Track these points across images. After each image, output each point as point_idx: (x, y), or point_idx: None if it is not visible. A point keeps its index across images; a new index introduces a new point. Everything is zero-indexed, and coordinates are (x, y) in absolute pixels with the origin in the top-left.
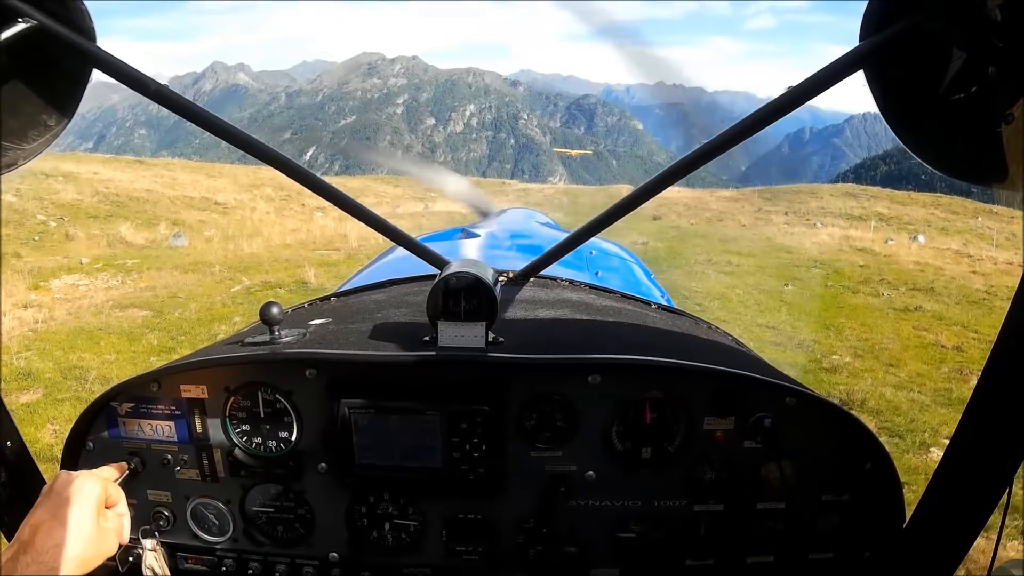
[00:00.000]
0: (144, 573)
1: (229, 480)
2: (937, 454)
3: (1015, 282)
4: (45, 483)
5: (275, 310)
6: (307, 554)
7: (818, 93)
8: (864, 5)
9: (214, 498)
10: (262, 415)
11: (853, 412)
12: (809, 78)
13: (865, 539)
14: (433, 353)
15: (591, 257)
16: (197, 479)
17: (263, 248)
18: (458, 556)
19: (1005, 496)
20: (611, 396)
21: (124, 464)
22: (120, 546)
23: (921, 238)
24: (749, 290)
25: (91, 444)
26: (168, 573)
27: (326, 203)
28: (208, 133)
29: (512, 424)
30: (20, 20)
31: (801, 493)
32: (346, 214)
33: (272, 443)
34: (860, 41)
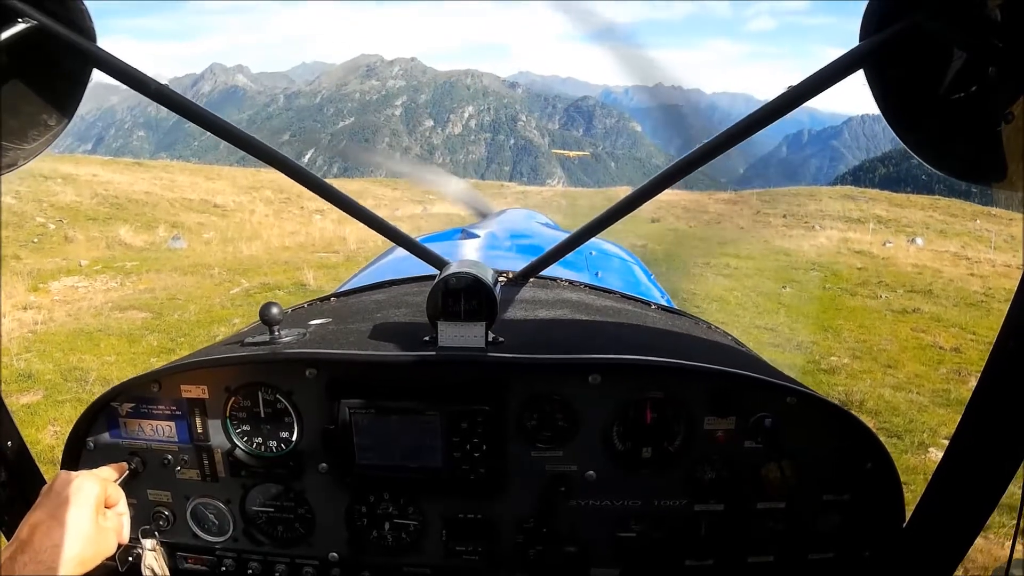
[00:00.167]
0: (144, 573)
1: (229, 480)
2: (935, 454)
3: (1013, 284)
4: (45, 483)
5: (275, 310)
6: (307, 554)
7: (818, 93)
8: (864, 5)
9: (214, 498)
10: (262, 415)
11: (852, 412)
12: (809, 78)
13: (865, 539)
14: (433, 353)
15: (591, 257)
16: (197, 479)
17: (262, 250)
18: (458, 556)
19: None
20: (611, 396)
21: (124, 464)
22: (120, 546)
23: (919, 240)
24: (747, 292)
25: (91, 444)
26: (168, 573)
27: (325, 206)
28: (207, 135)
29: (512, 424)
30: (20, 20)
31: (801, 493)
32: (345, 216)
33: (272, 443)
34: (860, 41)
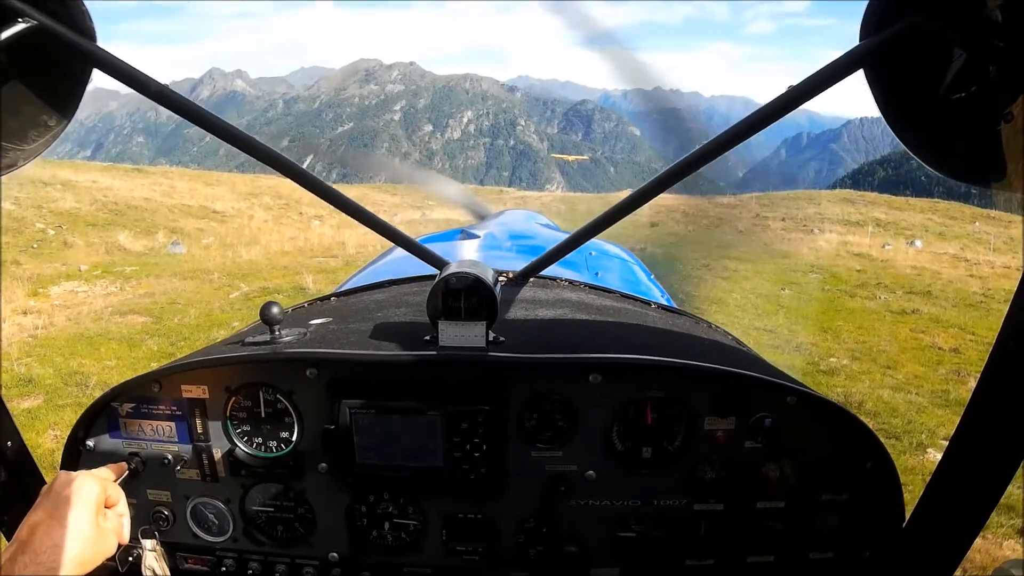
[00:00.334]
0: (144, 573)
1: (229, 480)
2: (934, 455)
3: (1012, 285)
4: (45, 483)
5: (275, 310)
6: (307, 554)
7: (818, 93)
8: (864, 6)
9: (214, 498)
10: (263, 415)
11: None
12: (809, 78)
13: (865, 538)
14: (434, 353)
15: (591, 257)
16: (197, 479)
17: (261, 255)
18: (458, 556)
19: None
20: (611, 396)
21: (124, 464)
22: (120, 546)
23: (918, 243)
24: (746, 294)
25: (91, 444)
26: (168, 573)
27: (324, 211)
28: (206, 141)
29: (513, 424)
30: (20, 20)
31: (801, 492)
32: (344, 222)
33: (273, 443)
34: (860, 41)
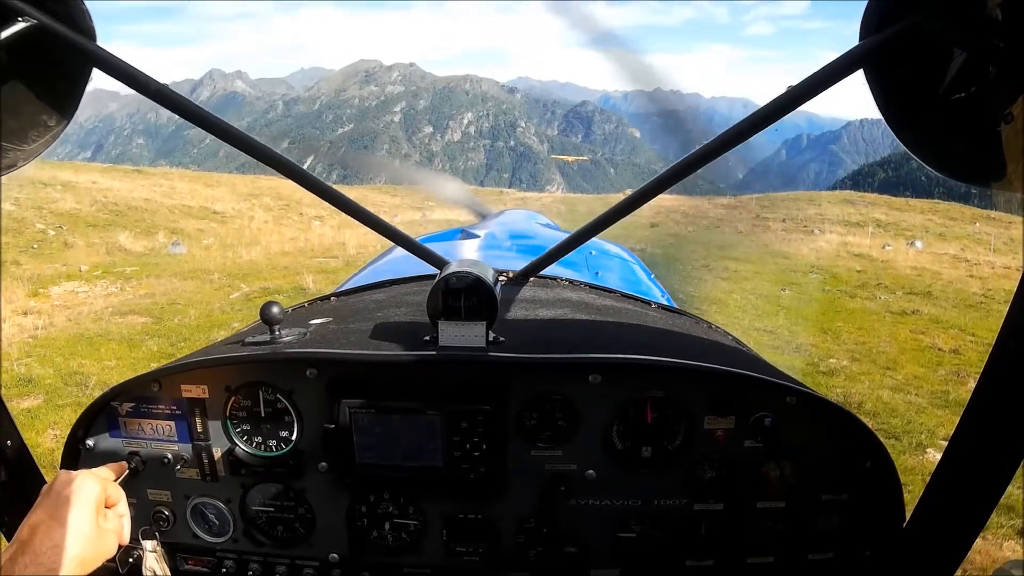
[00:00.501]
0: (144, 574)
1: (229, 479)
2: (933, 455)
3: (1012, 286)
4: (45, 483)
5: (275, 309)
6: (307, 554)
7: (818, 93)
8: (863, 6)
9: (214, 497)
10: (263, 415)
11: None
12: (808, 78)
13: (865, 539)
14: (434, 352)
15: (591, 257)
16: (197, 478)
17: (262, 256)
18: (458, 556)
19: None
20: (611, 395)
21: (124, 464)
22: (120, 547)
23: (919, 243)
24: (747, 295)
25: (91, 444)
26: (168, 574)
27: (324, 212)
28: (207, 142)
29: (513, 423)
30: (20, 19)
31: (801, 492)
32: (345, 222)
33: (272, 442)
34: (860, 41)
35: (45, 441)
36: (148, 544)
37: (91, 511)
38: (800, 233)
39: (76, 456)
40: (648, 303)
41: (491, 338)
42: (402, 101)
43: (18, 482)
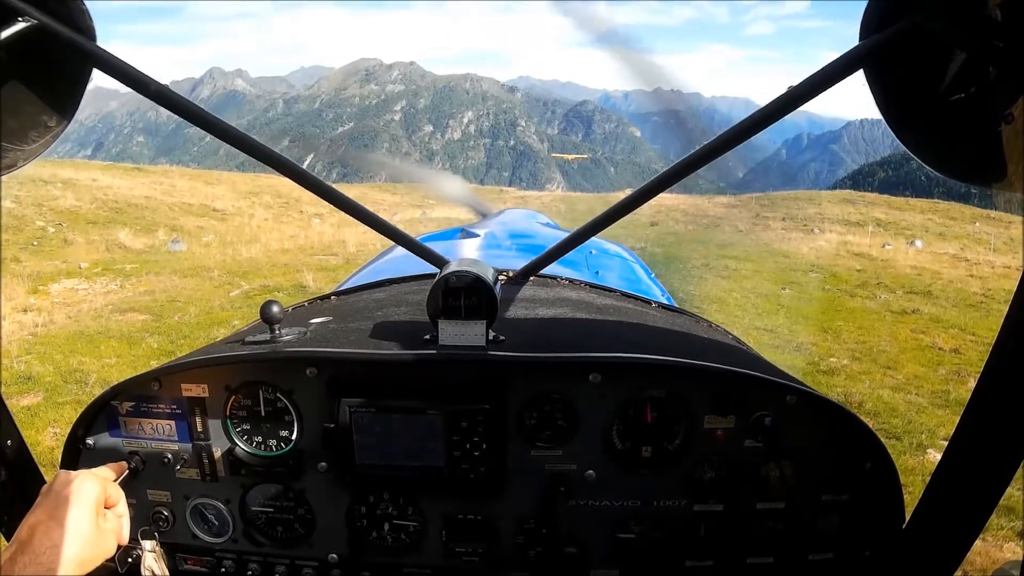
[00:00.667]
0: (143, 574)
1: (229, 479)
2: (934, 455)
3: (1012, 285)
4: (45, 483)
5: (275, 309)
6: (307, 555)
7: (818, 93)
8: (863, 6)
9: (214, 498)
10: (263, 414)
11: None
12: (809, 78)
13: (865, 539)
14: (434, 352)
15: (591, 256)
16: (197, 478)
17: (261, 253)
18: (458, 556)
19: None
20: (611, 395)
21: (124, 463)
22: (119, 547)
23: (918, 243)
24: (746, 294)
25: (91, 443)
26: (167, 574)
27: (324, 210)
28: (207, 140)
29: (513, 423)
30: (20, 19)
31: (801, 493)
32: (345, 220)
33: (272, 442)
34: (860, 41)
35: (45, 439)
36: (147, 544)
37: (91, 511)
38: (800, 232)
39: (76, 456)
40: (648, 302)
41: (491, 337)
42: (402, 100)
43: (18, 482)
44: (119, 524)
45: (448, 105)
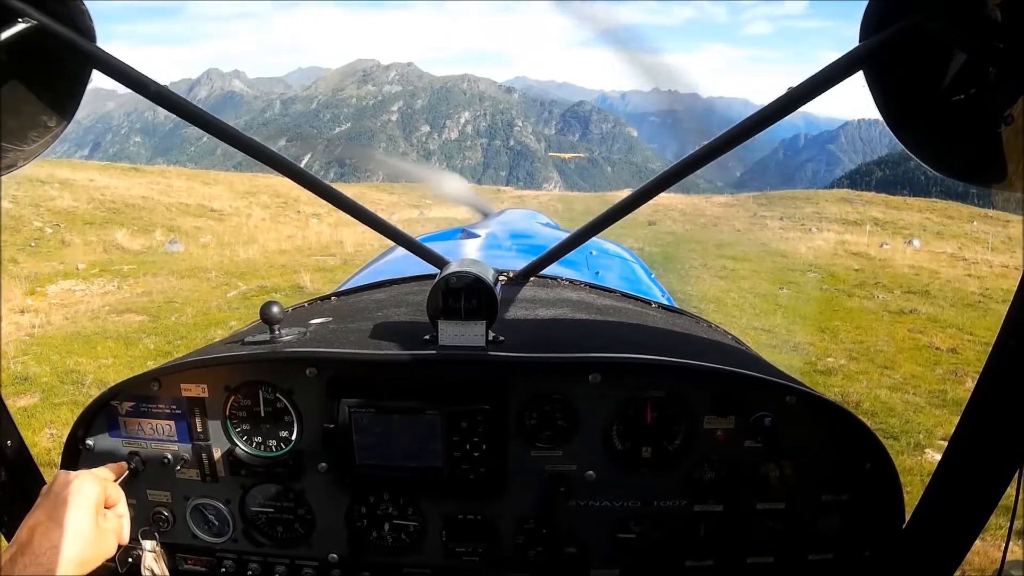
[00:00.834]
0: (143, 574)
1: (229, 480)
2: (932, 455)
3: (1010, 285)
4: (45, 483)
5: (275, 309)
6: (307, 555)
7: (818, 94)
8: (862, 7)
9: (214, 498)
10: (262, 414)
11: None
12: (809, 79)
13: (865, 539)
14: (434, 352)
15: (591, 257)
16: (197, 479)
17: (259, 254)
18: (458, 556)
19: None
20: (611, 395)
21: (123, 464)
22: (119, 547)
23: (916, 242)
24: (744, 294)
25: (91, 443)
26: (167, 574)
27: (321, 210)
28: (204, 140)
29: (513, 423)
30: (20, 20)
31: (801, 493)
32: (342, 220)
33: (272, 442)
34: (860, 42)
35: (42, 440)
36: (147, 544)
37: (91, 512)
38: (798, 232)
39: (76, 456)
40: (648, 303)
41: (491, 338)
42: (399, 100)
43: (18, 482)
44: (119, 524)
45: (445, 106)
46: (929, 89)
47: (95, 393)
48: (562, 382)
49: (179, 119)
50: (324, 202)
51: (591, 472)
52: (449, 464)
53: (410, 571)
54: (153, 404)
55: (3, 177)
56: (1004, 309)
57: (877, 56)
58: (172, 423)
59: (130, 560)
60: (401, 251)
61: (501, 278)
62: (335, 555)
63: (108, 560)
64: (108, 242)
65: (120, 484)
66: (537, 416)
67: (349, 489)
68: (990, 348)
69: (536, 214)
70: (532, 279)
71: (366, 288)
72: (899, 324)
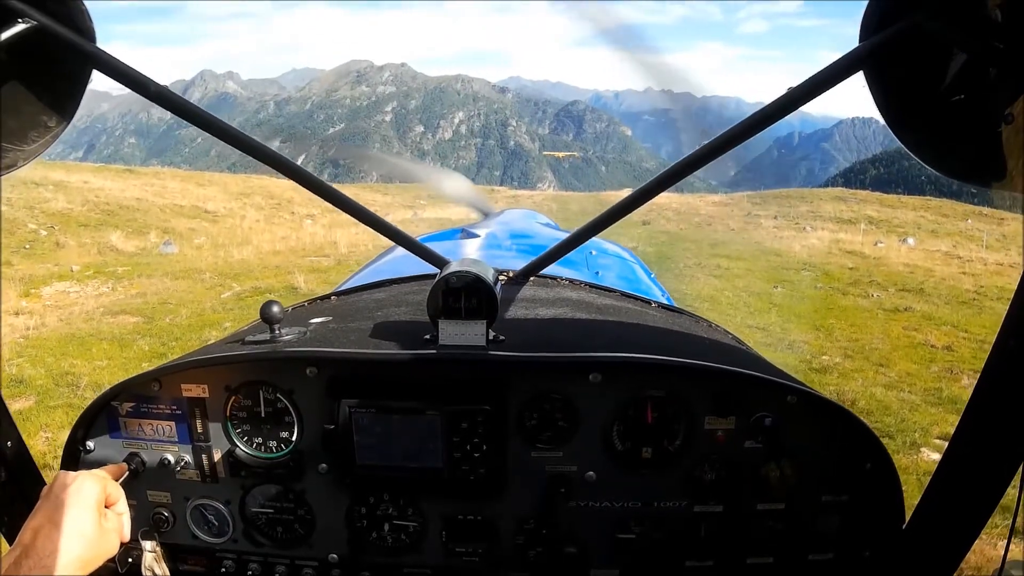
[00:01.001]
0: (144, 574)
1: (229, 480)
2: (928, 453)
3: (1005, 283)
4: (45, 484)
5: (276, 308)
6: (307, 555)
7: (818, 94)
8: (857, 5)
9: (214, 499)
10: (263, 414)
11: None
12: (809, 79)
13: (865, 539)
14: (434, 352)
15: (591, 256)
16: (197, 479)
17: (253, 255)
18: (458, 557)
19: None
20: (611, 395)
21: (124, 464)
22: (121, 546)
23: (911, 240)
24: (739, 292)
25: (91, 444)
26: (168, 574)
27: (316, 211)
28: (198, 141)
29: (513, 423)
30: (20, 20)
31: (801, 493)
32: (336, 221)
33: (273, 443)
34: (860, 42)
35: (37, 443)
36: (147, 544)
37: (91, 512)
38: (792, 230)
39: (76, 457)
40: (648, 302)
41: (491, 337)
42: (393, 101)
43: (18, 483)
44: (120, 523)
45: (439, 106)
46: (929, 89)
47: (90, 396)
48: (562, 382)
49: (173, 120)
50: (318, 204)
51: (591, 472)
52: (449, 464)
53: (410, 571)
54: (153, 404)
55: (1, 178)
56: (999, 306)
57: (877, 56)
58: (172, 424)
59: (130, 560)
60: (401, 251)
61: (501, 278)
62: (335, 555)
63: (109, 560)
64: (102, 244)
65: (120, 484)
66: (537, 416)
67: (349, 489)
68: (985, 346)
69: (536, 214)
70: (532, 279)
71: (366, 288)
72: (894, 322)
